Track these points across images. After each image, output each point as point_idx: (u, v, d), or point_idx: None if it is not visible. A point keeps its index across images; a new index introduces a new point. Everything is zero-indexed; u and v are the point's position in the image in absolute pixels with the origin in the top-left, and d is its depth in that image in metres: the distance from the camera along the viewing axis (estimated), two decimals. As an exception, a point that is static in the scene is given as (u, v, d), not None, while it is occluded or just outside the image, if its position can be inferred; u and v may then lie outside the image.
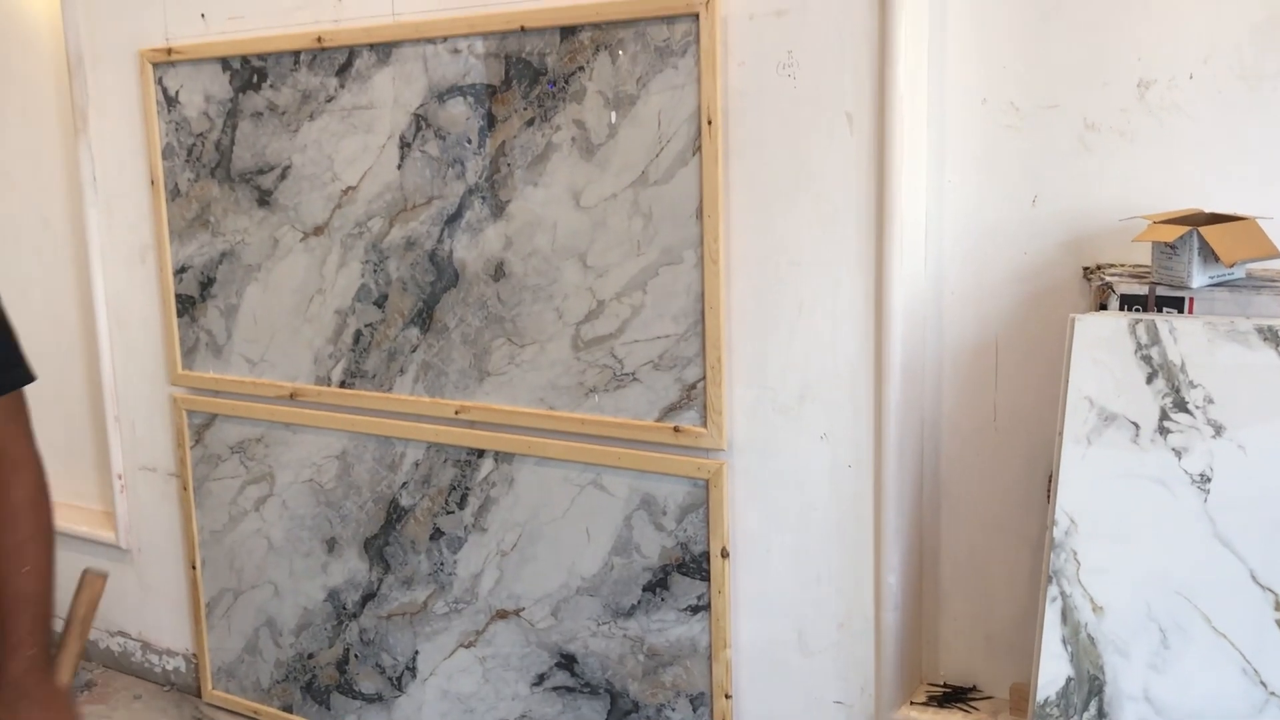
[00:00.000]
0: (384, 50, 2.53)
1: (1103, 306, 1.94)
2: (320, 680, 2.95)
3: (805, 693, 2.29)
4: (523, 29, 2.34)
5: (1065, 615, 1.76)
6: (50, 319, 3.35)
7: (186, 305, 2.97)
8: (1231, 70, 1.91)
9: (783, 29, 2.11)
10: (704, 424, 2.27)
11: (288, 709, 3.03)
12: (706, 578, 2.33)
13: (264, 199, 2.77)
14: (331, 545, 2.85)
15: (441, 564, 2.68)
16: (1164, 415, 1.74)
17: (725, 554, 2.30)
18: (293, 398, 2.82)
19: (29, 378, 1.51)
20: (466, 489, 2.61)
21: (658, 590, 2.40)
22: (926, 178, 2.13)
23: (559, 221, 2.37)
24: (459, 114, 2.46)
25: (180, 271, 2.96)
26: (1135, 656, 1.72)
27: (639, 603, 2.43)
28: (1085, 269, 2.03)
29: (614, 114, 2.28)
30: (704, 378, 2.26)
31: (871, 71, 2.04)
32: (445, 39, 2.44)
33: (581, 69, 2.30)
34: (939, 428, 2.21)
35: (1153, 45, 1.95)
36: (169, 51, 2.84)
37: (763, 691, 2.33)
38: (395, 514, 2.73)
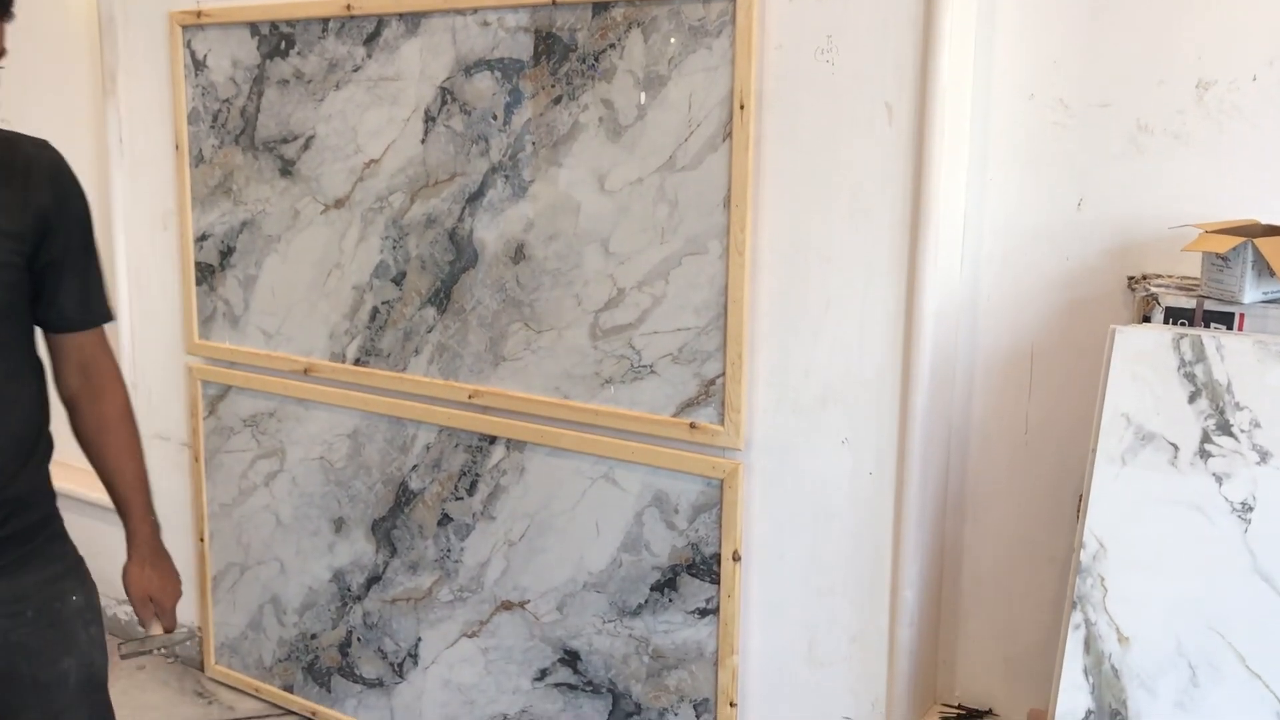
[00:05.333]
0: (413, 20, 2.45)
1: (1146, 319, 1.83)
2: (322, 662, 2.89)
3: (813, 706, 2.19)
4: (554, 2, 2.25)
5: (1088, 644, 1.66)
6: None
7: (206, 274, 2.91)
8: (1298, 74, 1.79)
9: (823, 12, 2.00)
10: (721, 422, 2.18)
11: (288, 689, 2.98)
12: (716, 581, 2.24)
13: (286, 169, 2.71)
14: (339, 525, 2.79)
15: (448, 550, 2.61)
16: (1205, 438, 1.63)
17: (737, 557, 2.21)
18: (307, 373, 2.76)
19: (111, 317, 1.83)
20: (476, 475, 2.54)
21: (666, 590, 2.31)
22: (967, 175, 2.03)
23: (582, 204, 2.29)
24: (485, 89, 2.37)
25: (201, 239, 2.90)
26: (1162, 693, 1.61)
27: (646, 602, 2.34)
28: (1130, 278, 1.92)
29: (644, 95, 2.18)
30: (724, 374, 2.16)
31: (914, 61, 1.94)
32: (475, 10, 2.36)
33: (612, 46, 2.21)
34: (967, 438, 2.10)
35: (1214, 44, 1.84)
36: (199, 14, 2.78)
37: (769, 702, 2.24)
38: (404, 497, 2.66)
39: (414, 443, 2.63)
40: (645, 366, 2.26)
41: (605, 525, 2.37)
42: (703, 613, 2.27)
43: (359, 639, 2.81)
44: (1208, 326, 1.74)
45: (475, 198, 2.43)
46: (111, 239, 3.09)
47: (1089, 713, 1.64)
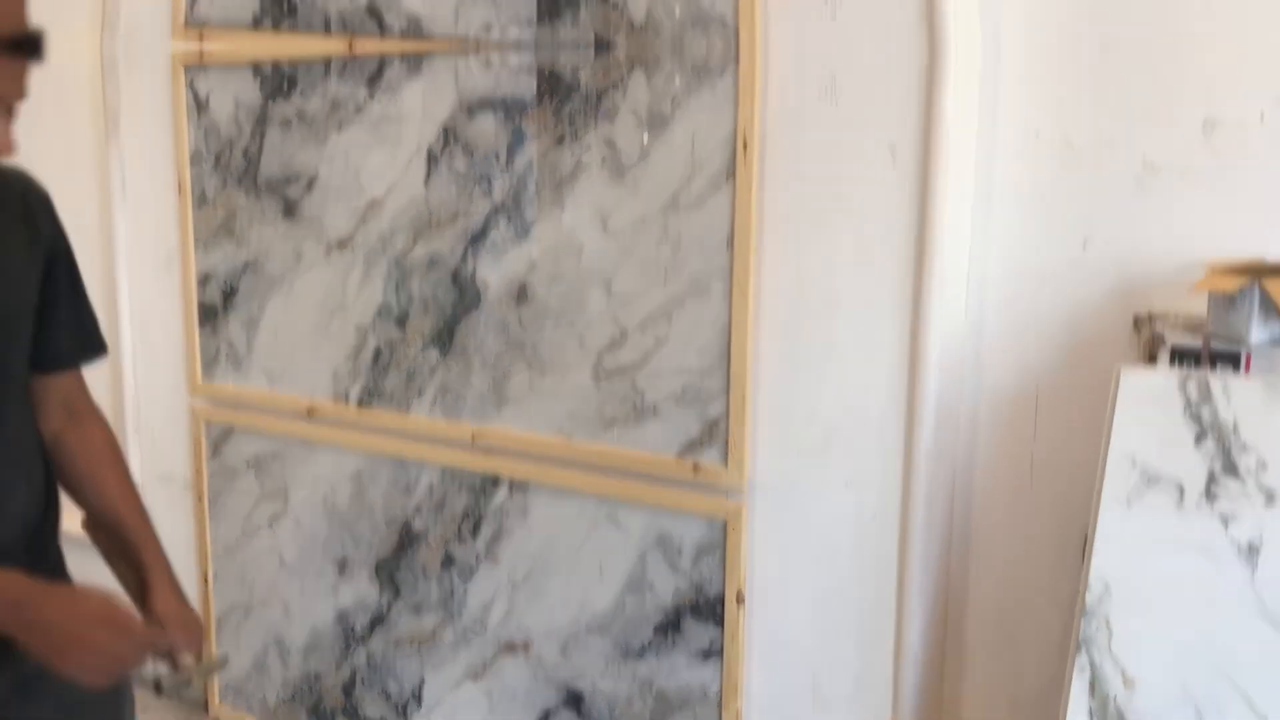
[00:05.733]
0: (415, 61, 2.46)
1: (1152, 359, 1.82)
2: (326, 703, 2.87)
3: (820, 748, 2.17)
4: (557, 43, 2.26)
5: (1094, 687, 1.63)
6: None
7: (209, 315, 2.92)
8: (1301, 113, 1.79)
9: (826, 52, 2.01)
10: (725, 463, 2.17)
11: (291, 732, 2.96)
12: (720, 623, 2.22)
13: (289, 209, 2.71)
14: (343, 566, 2.78)
15: (451, 592, 2.59)
16: (1212, 479, 1.61)
17: (740, 599, 2.19)
18: (310, 414, 2.75)
19: (106, 349, 1.77)
20: (480, 516, 2.52)
21: (669, 632, 2.29)
22: (971, 214, 2.02)
23: (585, 245, 2.29)
24: (488, 129, 2.38)
25: (204, 280, 2.91)
26: (1171, 740, 1.59)
27: (650, 644, 2.32)
28: (1136, 318, 1.90)
29: (646, 134, 2.19)
30: (727, 415, 2.16)
31: (918, 101, 1.94)
32: (478, 51, 2.37)
33: (615, 86, 2.21)
34: (971, 480, 2.09)
35: (1222, 82, 1.83)
36: (201, 55, 2.79)
37: (775, 746, 2.22)
38: (407, 539, 2.65)
39: (417, 484, 2.62)
40: (648, 407, 2.26)
41: (608, 567, 2.36)
42: (706, 655, 2.25)
43: (362, 680, 2.79)
44: (1214, 367, 1.72)
45: (478, 238, 2.43)
46: (115, 280, 3.09)
47: (1098, 759, 1.62)
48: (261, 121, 2.73)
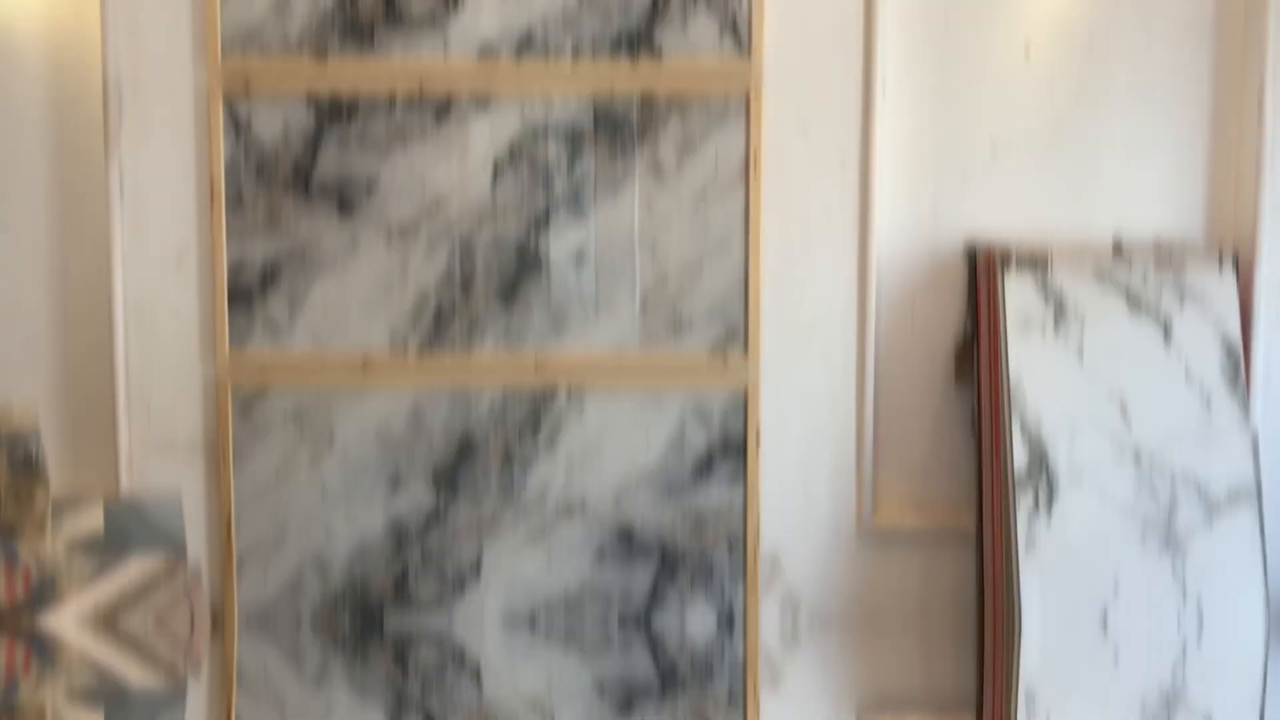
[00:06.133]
0: (482, 101, 3.43)
1: (974, 269, 3.50)
2: (373, 598, 3.62)
3: (810, 519, 3.58)
4: (612, 94, 3.42)
5: (1023, 427, 3.28)
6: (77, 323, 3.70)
7: (241, 296, 3.52)
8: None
9: (801, 105, 3.49)
10: (745, 353, 3.50)
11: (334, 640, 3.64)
12: (743, 456, 3.54)
13: (345, 207, 3.48)
14: (395, 482, 3.59)
15: (511, 482, 3.58)
16: (1057, 315, 3.33)
17: (758, 438, 3.53)
18: (364, 367, 3.53)
19: None
20: (539, 420, 3.55)
21: (703, 471, 3.56)
22: (891, 196, 3.56)
23: (634, 223, 3.47)
24: (551, 149, 3.45)
25: (237, 269, 3.51)
26: (1061, 449, 3.28)
27: (688, 481, 3.55)
28: (965, 245, 3.59)
29: (681, 154, 3.44)
30: (745, 321, 3.50)
31: (858, 132, 3.47)
32: (542, 96, 3.43)
33: (657, 123, 3.43)
34: (886, 347, 3.63)
35: (1001, 118, 3.57)
36: (246, 86, 3.44)
37: (779, 525, 3.58)
38: (467, 448, 3.59)
39: (478, 404, 3.55)
40: (685, 323, 3.52)
41: (653, 435, 3.56)
42: (732, 480, 3.56)
43: (415, 573, 3.61)
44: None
45: (540, 222, 3.49)
46: (111, 274, 3.52)
47: (1028, 462, 3.26)
48: (315, 140, 3.47)
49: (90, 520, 3.47)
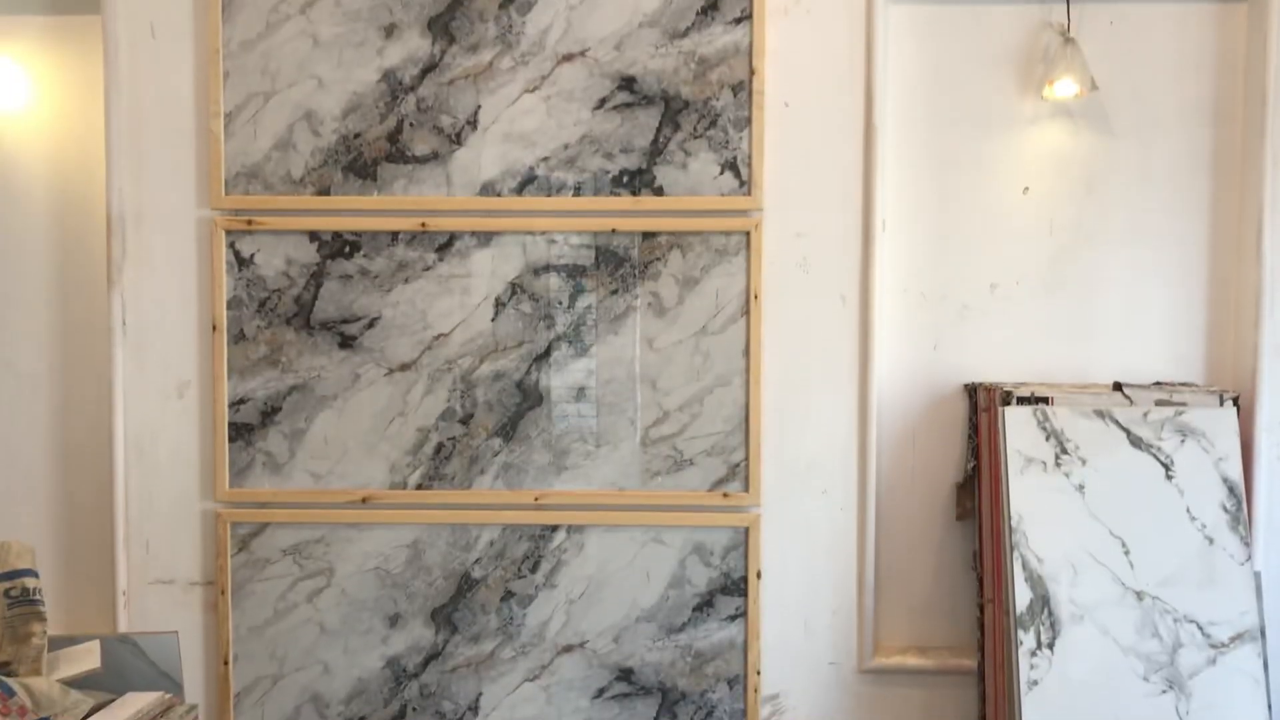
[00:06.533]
0: (485, 236, 3.47)
1: (975, 407, 3.51)
2: (365, 737, 3.60)
3: (810, 660, 3.55)
4: (614, 231, 3.45)
5: (1024, 564, 3.26)
6: (77, 457, 3.73)
7: (242, 432, 3.53)
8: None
9: (801, 243, 3.52)
10: (746, 489, 3.50)
11: (330, 768, 3.61)
12: (744, 594, 3.52)
13: (347, 343, 3.51)
14: (394, 620, 3.57)
15: (510, 618, 3.56)
16: (1057, 455, 3.33)
17: (759, 575, 3.51)
18: (364, 502, 3.52)
19: None
20: (539, 557, 3.54)
21: (704, 609, 3.53)
22: (889, 334, 3.58)
23: (635, 358, 3.48)
24: (552, 284, 3.48)
25: (238, 403, 3.52)
26: (1063, 583, 3.26)
27: (689, 620, 3.53)
28: (965, 385, 3.60)
29: (682, 290, 3.46)
30: (746, 458, 3.49)
31: (858, 269, 3.49)
32: (544, 232, 3.46)
33: (658, 259, 3.46)
34: (888, 484, 3.63)
35: (998, 265, 3.60)
36: (249, 223, 3.47)
37: (779, 667, 3.55)
38: (466, 585, 3.56)
39: (477, 541, 3.54)
40: (686, 460, 3.51)
41: (654, 573, 3.54)
42: (733, 618, 3.54)
43: (414, 709, 3.58)
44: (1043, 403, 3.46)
45: (541, 358, 3.50)
46: (113, 408, 3.53)
47: (1030, 601, 3.24)
48: (318, 275, 3.50)
49: (87, 657, 3.45)
